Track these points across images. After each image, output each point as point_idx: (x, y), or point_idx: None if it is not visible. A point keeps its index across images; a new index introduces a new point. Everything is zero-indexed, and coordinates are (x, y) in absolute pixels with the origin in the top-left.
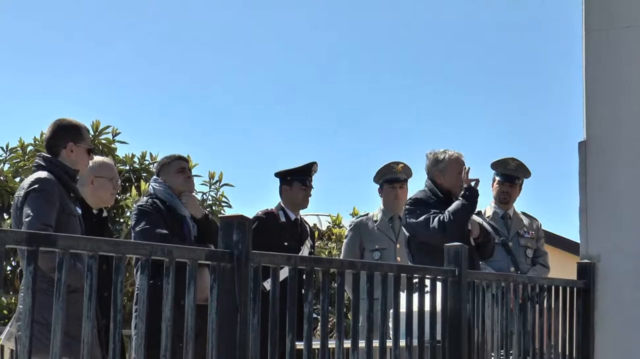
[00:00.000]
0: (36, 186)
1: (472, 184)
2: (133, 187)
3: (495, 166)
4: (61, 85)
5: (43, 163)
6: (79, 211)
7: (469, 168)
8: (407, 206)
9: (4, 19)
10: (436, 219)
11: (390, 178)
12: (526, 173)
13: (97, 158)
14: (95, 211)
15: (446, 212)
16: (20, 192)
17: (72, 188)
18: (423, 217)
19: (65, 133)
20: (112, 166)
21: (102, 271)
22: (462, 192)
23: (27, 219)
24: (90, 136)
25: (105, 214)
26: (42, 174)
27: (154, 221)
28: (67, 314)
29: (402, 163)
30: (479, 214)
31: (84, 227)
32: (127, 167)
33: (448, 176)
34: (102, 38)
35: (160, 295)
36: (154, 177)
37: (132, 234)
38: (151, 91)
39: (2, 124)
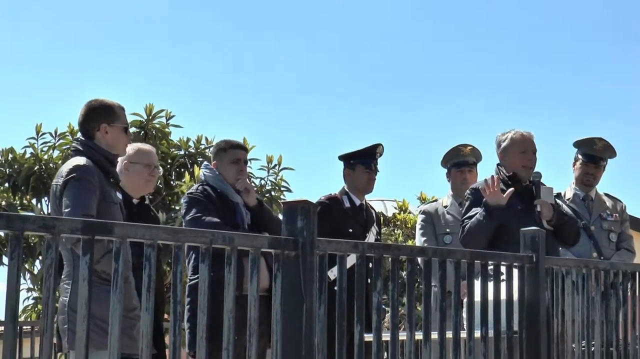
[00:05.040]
0: (75, 174)
1: (505, 194)
2: (187, 173)
3: (579, 144)
4: (112, 68)
5: (81, 148)
6: (120, 196)
7: (497, 178)
8: (465, 195)
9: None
10: (462, 229)
11: (458, 162)
12: (612, 154)
13: (134, 144)
14: (135, 201)
15: (467, 224)
16: (58, 181)
17: (111, 173)
18: (463, 219)
19: (97, 114)
20: (149, 152)
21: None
22: (482, 206)
23: (67, 210)
24: (143, 120)
25: (147, 201)
26: (81, 160)
27: (204, 209)
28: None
29: (470, 145)
30: (558, 196)
31: (125, 216)
32: (182, 152)
33: (510, 156)
34: (155, 20)
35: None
36: (205, 163)
37: (183, 223)
38: (207, 72)
39: (51, 109)
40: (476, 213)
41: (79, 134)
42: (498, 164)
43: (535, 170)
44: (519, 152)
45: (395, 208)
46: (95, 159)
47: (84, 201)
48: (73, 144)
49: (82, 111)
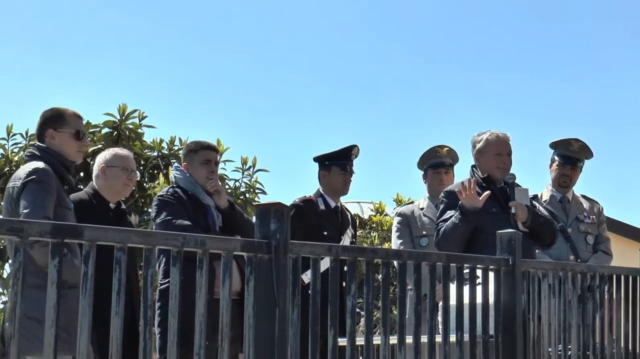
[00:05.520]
0: (34, 176)
1: (481, 197)
2: (161, 175)
3: (555, 145)
4: (85, 69)
5: (38, 152)
6: (72, 204)
7: (474, 181)
8: (440, 197)
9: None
10: (436, 232)
11: (435, 163)
12: (589, 154)
13: (110, 149)
14: (112, 205)
15: (442, 227)
16: (16, 183)
17: (67, 180)
18: (437, 223)
19: (46, 121)
20: (126, 156)
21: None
22: (457, 209)
23: (25, 211)
24: (116, 121)
25: (123, 206)
26: (39, 164)
27: (175, 211)
28: (66, 311)
29: (447, 147)
30: (535, 198)
31: (99, 223)
32: (155, 154)
33: (485, 157)
34: (129, 22)
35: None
36: (175, 164)
37: (153, 227)
38: (180, 72)
39: (23, 110)
40: (451, 216)
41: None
42: (473, 166)
43: (511, 172)
44: (494, 153)
45: (372, 210)
46: (52, 164)
47: (42, 203)
48: (29, 149)
49: (38, 119)
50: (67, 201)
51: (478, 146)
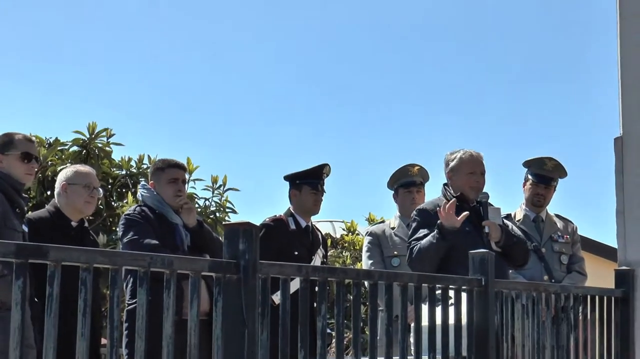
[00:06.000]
0: None
1: (459, 217)
2: (129, 194)
3: (529, 164)
4: (57, 87)
5: None
6: (25, 228)
7: (453, 201)
8: (412, 216)
9: None
10: (409, 251)
11: (406, 182)
12: (562, 173)
13: (72, 166)
14: (74, 223)
15: (417, 246)
16: None
17: (17, 203)
18: (410, 241)
19: None
20: (88, 173)
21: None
22: (435, 227)
23: None
24: (86, 139)
25: (86, 224)
26: None
27: (142, 231)
28: (5, 334)
29: (418, 165)
30: (508, 217)
31: (60, 241)
32: (124, 172)
33: (458, 176)
34: (99, 36)
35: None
36: (142, 182)
37: (120, 246)
38: (149, 90)
39: None
40: (424, 235)
41: None
42: (445, 184)
43: (484, 191)
44: (467, 172)
45: (344, 229)
46: (2, 187)
47: None
48: None
49: None
50: (15, 223)
51: (451, 164)
